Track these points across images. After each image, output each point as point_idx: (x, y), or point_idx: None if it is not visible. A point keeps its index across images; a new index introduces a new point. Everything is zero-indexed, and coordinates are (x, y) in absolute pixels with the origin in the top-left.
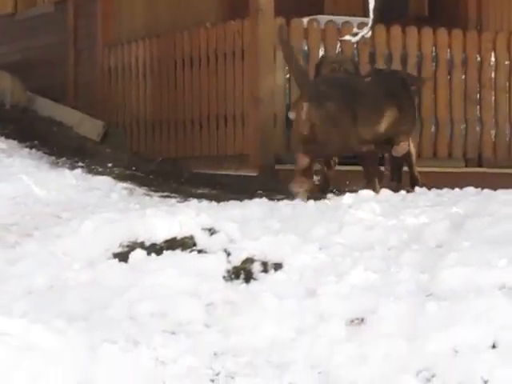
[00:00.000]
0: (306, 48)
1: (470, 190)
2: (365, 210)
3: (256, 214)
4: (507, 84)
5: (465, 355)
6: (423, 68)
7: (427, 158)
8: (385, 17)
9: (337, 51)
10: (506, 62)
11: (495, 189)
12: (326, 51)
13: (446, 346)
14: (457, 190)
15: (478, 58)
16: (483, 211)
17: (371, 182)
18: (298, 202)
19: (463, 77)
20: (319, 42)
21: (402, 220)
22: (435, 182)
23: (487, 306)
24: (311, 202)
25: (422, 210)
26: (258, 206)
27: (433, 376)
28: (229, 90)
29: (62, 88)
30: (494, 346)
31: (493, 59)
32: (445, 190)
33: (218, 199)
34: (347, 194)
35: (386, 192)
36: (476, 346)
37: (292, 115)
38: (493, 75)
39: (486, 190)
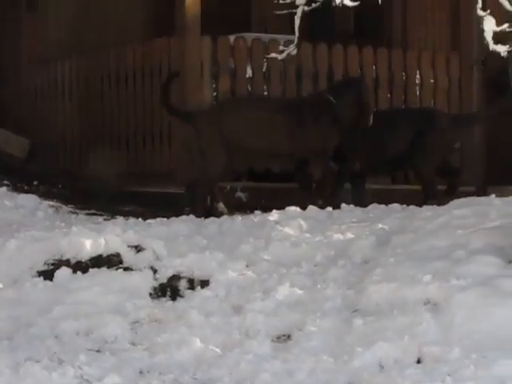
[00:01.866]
0: (232, 66)
1: (396, 206)
2: (291, 226)
3: (183, 231)
4: (432, 102)
5: (390, 370)
6: None
7: None
8: (311, 35)
9: (263, 69)
10: (431, 80)
11: (420, 205)
12: (253, 68)
13: (372, 361)
14: (382, 206)
15: (404, 77)
16: (408, 227)
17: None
18: (224, 218)
19: (389, 95)
20: (246, 60)
21: (328, 236)
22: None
23: (412, 322)
24: (238, 218)
25: (348, 227)
26: (185, 223)
27: None
28: (156, 107)
29: None
30: (418, 361)
31: (418, 77)
32: (371, 206)
33: (145, 217)
34: (274, 211)
35: (312, 209)
36: (401, 361)
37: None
38: (418, 93)
39: (411, 207)
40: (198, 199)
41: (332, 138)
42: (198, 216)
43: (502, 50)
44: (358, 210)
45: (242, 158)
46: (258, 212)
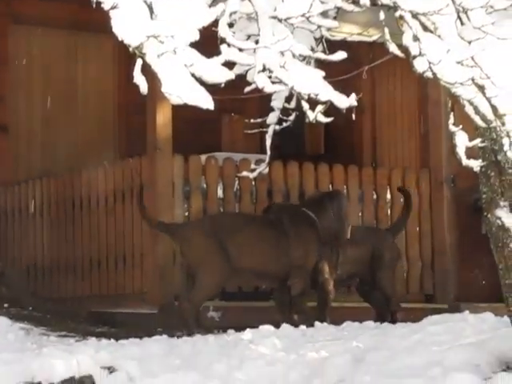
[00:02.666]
0: (204, 185)
1: (369, 323)
2: (265, 345)
3: (156, 351)
4: None
5: None
6: None
7: None
8: (282, 154)
9: (235, 188)
10: (401, 199)
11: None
12: (224, 187)
13: None
14: (356, 323)
15: (374, 195)
16: (383, 345)
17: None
18: (197, 338)
19: (360, 213)
20: (217, 178)
21: (303, 355)
22: (335, 316)
23: None
24: (211, 337)
25: (323, 345)
26: (158, 343)
27: None
28: (127, 229)
29: None
30: None
31: (388, 196)
32: (344, 324)
33: (118, 337)
34: (247, 330)
35: (286, 327)
36: None
37: None
38: (389, 211)
39: (384, 324)
40: (187, 315)
41: (313, 252)
42: (189, 335)
43: (475, 165)
44: (332, 328)
45: (239, 276)
46: (231, 331)
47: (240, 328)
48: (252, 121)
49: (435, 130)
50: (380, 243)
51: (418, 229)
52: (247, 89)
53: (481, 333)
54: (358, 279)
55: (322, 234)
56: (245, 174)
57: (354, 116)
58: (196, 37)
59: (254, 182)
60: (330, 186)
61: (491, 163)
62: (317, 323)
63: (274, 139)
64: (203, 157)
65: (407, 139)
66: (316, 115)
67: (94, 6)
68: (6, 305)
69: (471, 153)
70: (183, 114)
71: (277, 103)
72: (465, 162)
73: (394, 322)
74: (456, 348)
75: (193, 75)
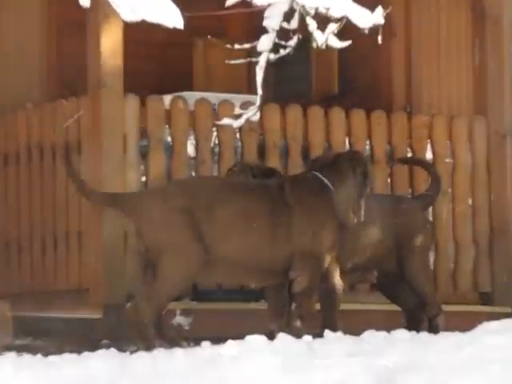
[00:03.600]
0: (168, 138)
1: (400, 333)
2: (255, 363)
3: (101, 372)
4: (450, 185)
5: None
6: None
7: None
8: (280, 94)
9: (212, 142)
10: (447, 159)
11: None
12: (197, 141)
13: None
14: (382, 333)
15: (409, 152)
16: (419, 363)
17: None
18: (158, 353)
19: (388, 179)
20: (187, 129)
21: (308, 378)
22: (350, 322)
23: None
24: (179, 352)
25: (336, 363)
26: (104, 360)
27: None
28: (60, 199)
29: None
30: None
31: (429, 153)
32: (365, 333)
33: (47, 352)
34: (229, 342)
35: (284, 338)
36: None
37: None
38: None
39: (421, 334)
40: (144, 321)
41: (328, 234)
42: (148, 349)
43: None
44: (348, 339)
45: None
46: (206, 343)
47: (219, 339)
48: (237, 46)
49: (495, 60)
50: (409, 218)
51: (470, 201)
52: (229, 1)
53: None
54: (375, 271)
55: (337, 209)
56: (226, 121)
57: (380, 40)
58: None
59: (238, 134)
60: (347, 140)
61: None
62: (327, 332)
63: (267, 73)
64: (167, 98)
65: (455, 74)
66: (327, 38)
67: None
68: None
69: None
70: (139, 36)
71: (271, 22)
72: None
73: (434, 330)
74: None
75: None
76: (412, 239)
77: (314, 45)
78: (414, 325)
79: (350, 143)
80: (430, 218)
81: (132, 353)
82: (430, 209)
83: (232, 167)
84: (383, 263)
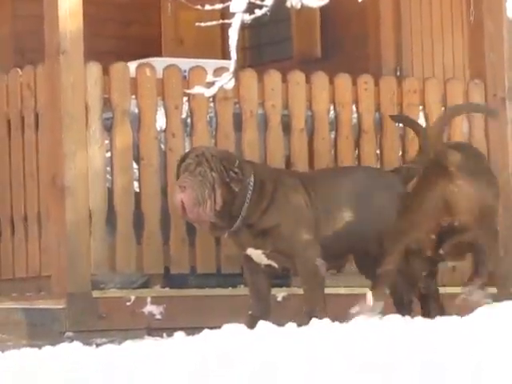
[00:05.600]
0: (135, 109)
1: (393, 318)
2: (234, 355)
3: (63, 367)
4: None
5: None
6: (302, 135)
7: None
8: (257, 59)
9: (184, 112)
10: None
11: None
12: (167, 112)
13: None
14: (373, 318)
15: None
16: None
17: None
18: (129, 346)
19: (377, 150)
20: (155, 98)
21: (291, 368)
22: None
23: None
24: (150, 344)
25: (320, 350)
26: (67, 354)
27: None
28: (15, 177)
29: None
30: None
31: (422, 120)
32: (355, 319)
33: (3, 347)
34: (205, 331)
35: (265, 326)
36: None
37: None
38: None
39: (416, 318)
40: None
41: None
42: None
43: None
44: (335, 326)
45: None
46: (179, 334)
47: (194, 329)
48: (208, 7)
49: (492, 18)
50: (388, 193)
51: None
52: None
53: None
54: (350, 255)
55: None
56: (198, 90)
57: None
58: None
59: (212, 103)
60: (332, 106)
61: None
62: (313, 320)
63: (243, 37)
64: (133, 65)
65: (449, 34)
66: None
67: None
68: None
69: None
70: None
71: None
72: None
73: (429, 315)
74: None
75: None
76: (391, 217)
77: (289, 3)
78: (403, 308)
79: (334, 111)
80: None
81: (98, 346)
82: None
83: (184, 157)
84: (361, 245)
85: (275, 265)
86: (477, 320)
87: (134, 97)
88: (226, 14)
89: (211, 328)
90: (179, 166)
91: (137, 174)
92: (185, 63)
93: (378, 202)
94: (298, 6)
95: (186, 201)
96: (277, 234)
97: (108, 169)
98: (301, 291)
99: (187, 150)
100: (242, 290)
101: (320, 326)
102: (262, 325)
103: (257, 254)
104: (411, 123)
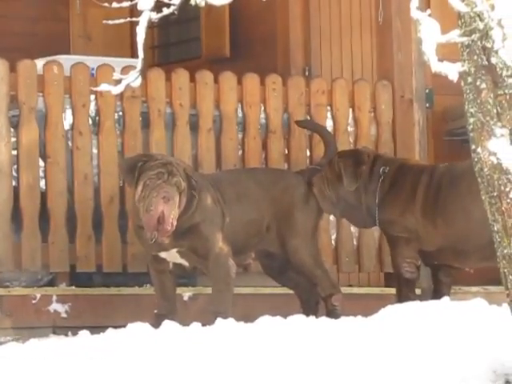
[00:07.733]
0: (42, 107)
1: (298, 318)
2: (137, 354)
3: None
4: None
5: None
6: (209, 135)
7: None
8: (166, 58)
9: (91, 110)
10: (349, 127)
11: None
12: (74, 110)
13: None
14: (278, 318)
15: (308, 117)
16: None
17: None
18: (30, 344)
19: (285, 150)
20: (63, 96)
21: (191, 368)
22: (244, 308)
23: None
24: (53, 342)
25: (225, 351)
26: None
27: None
28: None
29: None
30: None
31: (330, 122)
32: (260, 319)
33: None
34: (109, 330)
35: (170, 326)
36: None
37: None
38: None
39: (321, 319)
40: None
41: None
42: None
43: (453, 71)
44: (240, 326)
45: None
46: (84, 332)
47: (98, 328)
48: (115, 5)
49: (401, 18)
50: (288, 195)
51: None
52: None
53: (467, 330)
54: (251, 253)
55: None
56: (105, 87)
57: None
58: None
59: (120, 101)
60: (240, 106)
61: (481, 69)
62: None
63: (152, 35)
64: (40, 62)
65: (358, 34)
66: None
67: None
68: None
69: (451, 53)
70: None
71: None
72: (435, 66)
73: (332, 315)
74: (434, 353)
75: None
76: (292, 218)
77: (193, 1)
78: (309, 309)
79: (242, 111)
80: None
81: (2, 344)
82: None
83: (141, 163)
84: (262, 244)
85: (186, 264)
86: (377, 321)
87: (41, 94)
88: (134, 11)
89: (117, 327)
90: (139, 171)
91: (43, 171)
92: (93, 61)
93: (277, 201)
94: (202, 4)
95: (167, 212)
96: (196, 232)
97: (14, 166)
98: (207, 290)
99: (135, 155)
100: (148, 290)
101: (225, 326)
102: (167, 324)
103: (170, 253)
104: (317, 128)
